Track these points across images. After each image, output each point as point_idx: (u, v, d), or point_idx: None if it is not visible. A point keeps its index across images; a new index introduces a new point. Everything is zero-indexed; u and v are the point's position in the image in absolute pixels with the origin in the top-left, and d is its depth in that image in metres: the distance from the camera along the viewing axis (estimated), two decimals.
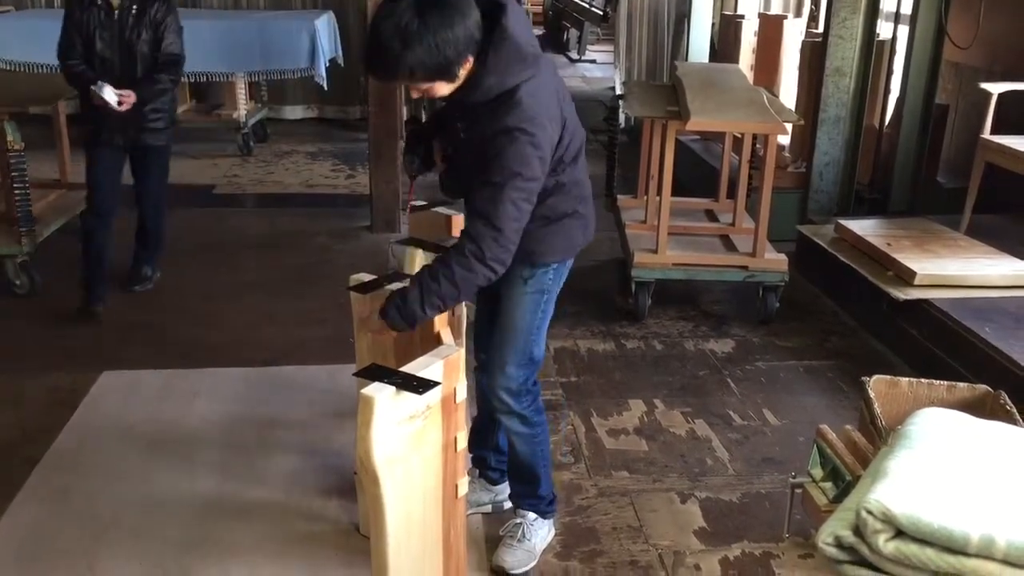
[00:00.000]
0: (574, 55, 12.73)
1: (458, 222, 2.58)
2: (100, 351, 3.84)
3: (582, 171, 2.44)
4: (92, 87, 3.87)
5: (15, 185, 4.25)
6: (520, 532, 2.63)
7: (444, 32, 2.03)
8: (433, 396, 1.99)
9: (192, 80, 6.89)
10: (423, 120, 2.61)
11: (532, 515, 2.67)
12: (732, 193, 4.81)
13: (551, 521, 2.74)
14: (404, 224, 5.17)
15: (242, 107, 6.98)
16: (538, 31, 13.96)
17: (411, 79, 2.10)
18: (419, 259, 2.63)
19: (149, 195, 4.35)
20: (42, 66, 6.37)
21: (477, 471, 2.84)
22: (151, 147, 4.19)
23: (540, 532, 2.67)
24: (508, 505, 2.85)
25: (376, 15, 2.07)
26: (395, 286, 2.33)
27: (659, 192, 4.26)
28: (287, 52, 6.63)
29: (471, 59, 2.12)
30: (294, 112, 8.26)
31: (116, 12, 3.95)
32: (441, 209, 2.61)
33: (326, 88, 6.97)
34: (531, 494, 2.67)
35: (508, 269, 2.31)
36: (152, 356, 3.81)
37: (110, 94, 3.86)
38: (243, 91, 6.96)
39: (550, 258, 2.44)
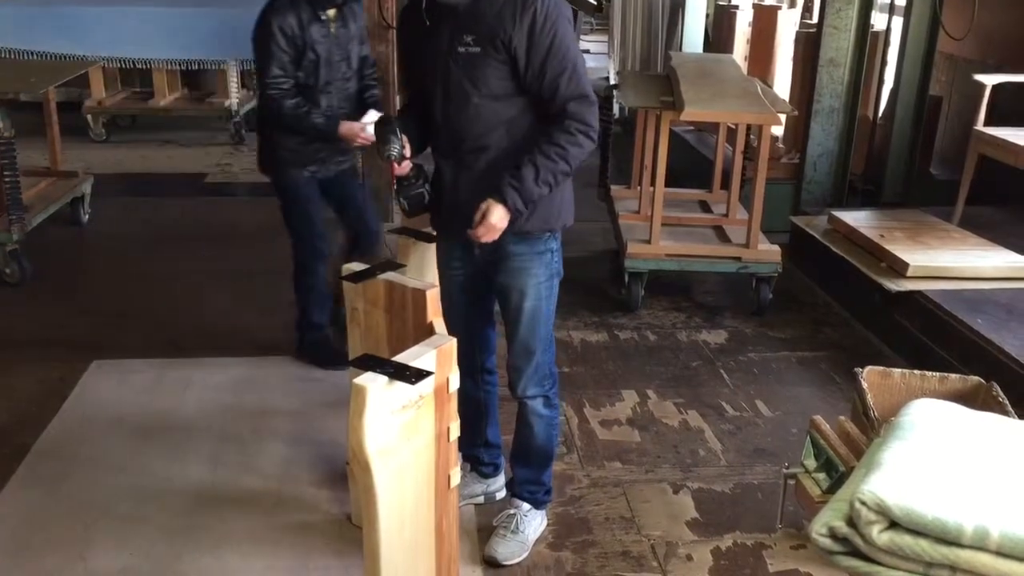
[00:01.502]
0: None
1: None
2: (90, 340, 3.82)
3: None
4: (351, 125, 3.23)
5: (5, 173, 4.22)
6: (514, 523, 2.63)
7: None
8: (426, 386, 1.99)
9: (183, 68, 6.87)
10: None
11: (526, 506, 2.67)
12: (726, 184, 4.81)
13: (544, 512, 2.74)
14: (397, 214, 5.15)
15: (234, 95, 6.95)
16: None
17: None
18: (412, 248, 2.63)
19: (363, 211, 3.71)
20: (33, 53, 6.34)
21: (469, 466, 2.83)
22: (345, 170, 3.58)
23: (533, 523, 2.67)
24: (500, 496, 2.85)
25: None
26: (389, 275, 2.32)
27: (653, 182, 4.26)
28: None
29: None
30: None
31: (333, 25, 3.28)
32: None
33: None
34: (535, 479, 2.68)
35: (521, 262, 2.41)
36: (143, 345, 3.79)
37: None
38: (235, 79, 6.93)
39: (564, 218, 2.46)
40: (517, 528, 2.62)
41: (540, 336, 2.52)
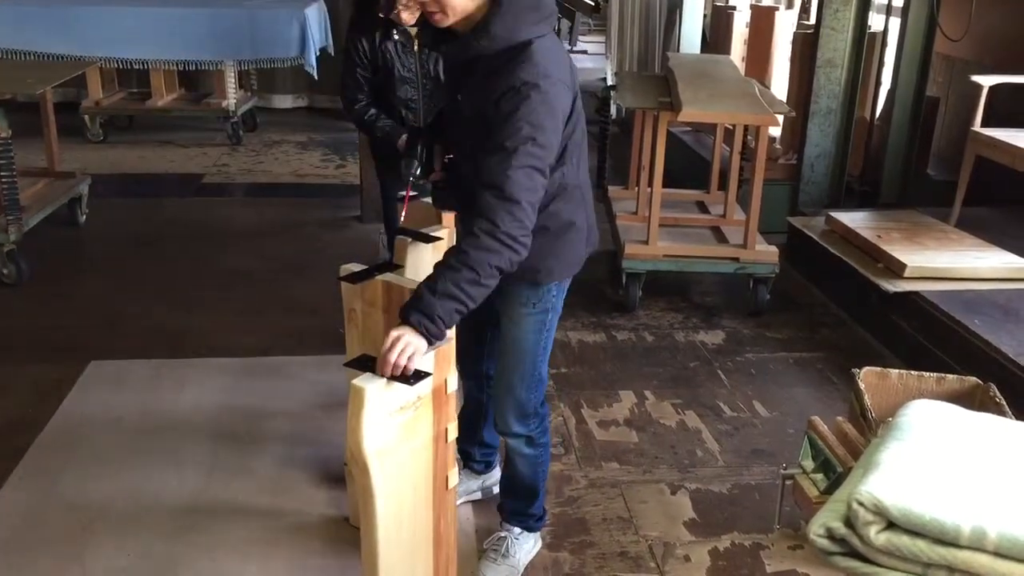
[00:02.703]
0: (566, 45, 12.68)
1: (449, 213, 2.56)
2: (87, 341, 3.81)
3: (585, 172, 2.29)
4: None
5: (2, 173, 4.21)
6: (504, 547, 2.56)
7: None
8: (424, 387, 1.99)
9: (181, 68, 6.86)
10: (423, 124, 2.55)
11: (518, 529, 2.60)
12: (723, 185, 4.81)
13: (537, 535, 2.67)
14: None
15: (231, 96, 6.94)
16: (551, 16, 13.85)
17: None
18: (409, 249, 2.62)
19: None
20: (30, 53, 6.33)
21: (462, 462, 2.82)
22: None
23: (525, 546, 2.60)
24: (498, 490, 2.84)
25: None
26: (387, 276, 2.32)
27: (650, 183, 4.26)
28: (277, 41, 6.59)
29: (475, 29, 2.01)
30: (284, 101, 8.21)
31: (416, 43, 3.29)
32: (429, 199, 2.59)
33: (316, 78, 6.93)
34: (522, 511, 2.60)
35: (509, 290, 2.25)
36: (140, 346, 3.78)
37: None
38: (232, 80, 6.92)
39: (555, 276, 2.31)
40: (507, 552, 2.56)
41: (524, 372, 2.38)
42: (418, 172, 2.32)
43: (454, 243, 2.16)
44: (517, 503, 2.61)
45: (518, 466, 2.53)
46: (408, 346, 1.89)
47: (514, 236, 1.96)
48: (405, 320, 1.93)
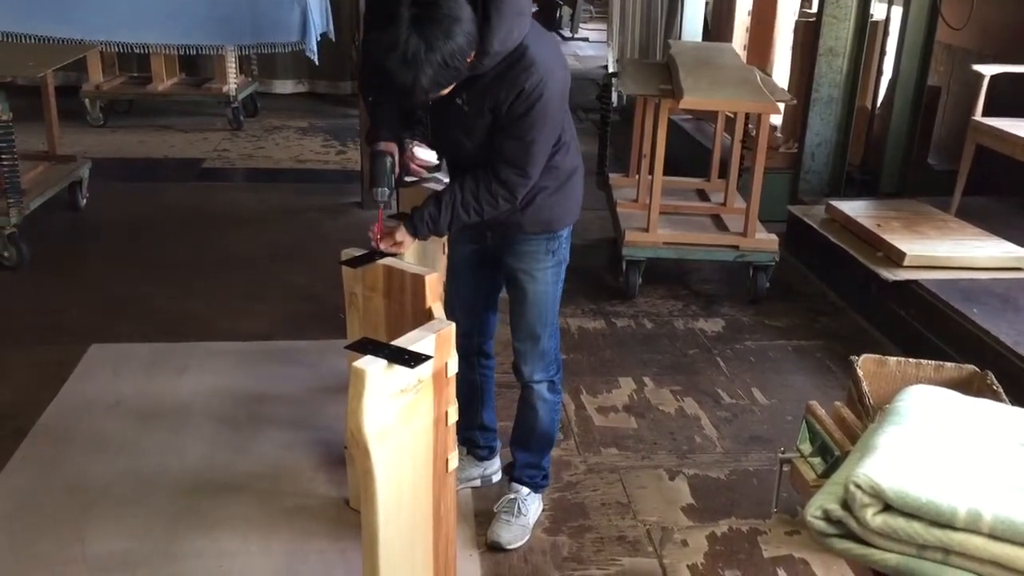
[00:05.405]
0: (567, 33, 12.64)
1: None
2: (88, 324, 3.82)
3: (572, 122, 2.49)
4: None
5: (3, 156, 4.20)
6: (515, 507, 2.65)
7: (448, 45, 2.01)
8: (424, 370, 2.00)
9: (181, 52, 6.85)
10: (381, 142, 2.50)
11: (526, 490, 2.69)
12: (724, 173, 4.81)
13: (541, 495, 2.76)
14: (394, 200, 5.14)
15: (232, 81, 6.92)
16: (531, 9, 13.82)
17: (428, 95, 2.12)
18: None
19: None
20: (30, 36, 6.31)
21: (465, 449, 2.84)
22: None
23: (533, 506, 2.70)
24: (497, 479, 2.87)
25: (378, 46, 2.02)
26: (388, 260, 2.33)
27: (651, 171, 4.26)
28: (278, 26, 6.56)
29: (474, 51, 2.10)
30: (284, 87, 8.20)
31: None
32: (431, 184, 2.60)
33: (317, 63, 6.91)
34: (536, 463, 2.71)
35: (527, 249, 2.46)
36: (141, 330, 3.79)
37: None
38: (233, 64, 6.90)
39: (567, 221, 2.51)
40: (519, 512, 2.65)
41: (546, 321, 2.55)
42: (384, 198, 2.38)
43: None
44: (531, 455, 2.70)
45: (539, 412, 2.63)
46: (404, 246, 2.40)
47: (519, 199, 2.34)
48: (413, 230, 2.36)
